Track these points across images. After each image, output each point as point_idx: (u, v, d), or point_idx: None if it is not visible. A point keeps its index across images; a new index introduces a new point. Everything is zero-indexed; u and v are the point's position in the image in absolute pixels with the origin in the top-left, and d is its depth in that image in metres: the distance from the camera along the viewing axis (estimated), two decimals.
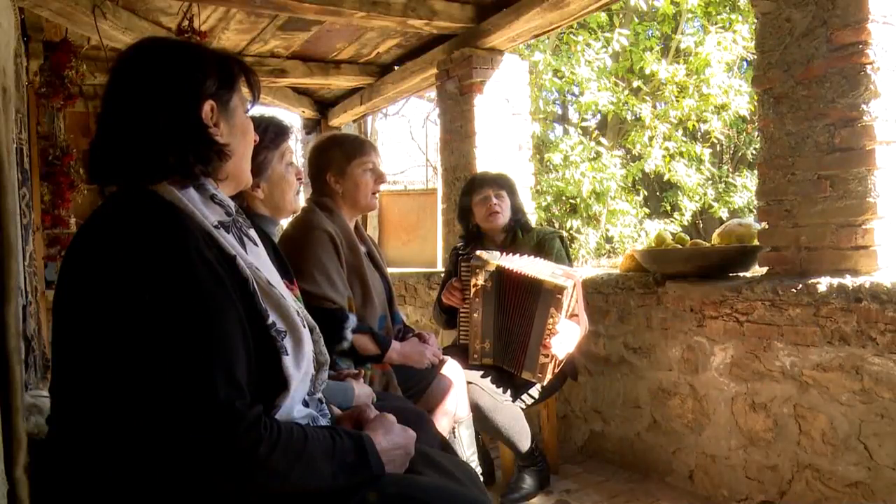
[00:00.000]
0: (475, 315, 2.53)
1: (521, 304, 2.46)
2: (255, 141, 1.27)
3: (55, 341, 1.08)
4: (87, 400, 1.02)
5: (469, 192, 2.82)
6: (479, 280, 2.51)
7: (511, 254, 2.55)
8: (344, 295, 2.09)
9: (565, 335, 2.40)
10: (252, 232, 1.23)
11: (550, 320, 2.39)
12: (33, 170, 3.76)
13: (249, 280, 1.08)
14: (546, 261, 2.55)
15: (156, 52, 1.14)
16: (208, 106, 1.12)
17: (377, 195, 2.30)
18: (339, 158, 2.21)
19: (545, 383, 2.49)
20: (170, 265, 0.99)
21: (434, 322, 3.03)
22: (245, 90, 1.23)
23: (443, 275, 3.05)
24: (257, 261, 1.16)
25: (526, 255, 2.54)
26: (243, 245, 1.15)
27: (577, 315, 2.49)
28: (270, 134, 1.76)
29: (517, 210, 2.80)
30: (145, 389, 0.97)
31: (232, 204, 1.20)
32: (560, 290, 2.37)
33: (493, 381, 2.49)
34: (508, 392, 2.50)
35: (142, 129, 1.08)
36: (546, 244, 2.70)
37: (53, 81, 4.06)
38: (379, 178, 2.27)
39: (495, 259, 2.52)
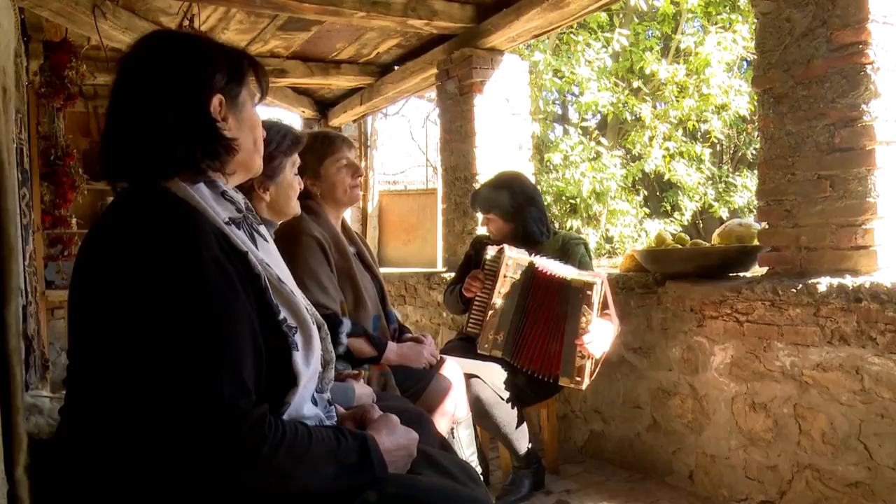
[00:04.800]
0: (496, 305, 2.49)
1: (548, 307, 2.44)
2: (263, 136, 1.25)
3: (70, 337, 1.09)
4: (97, 396, 1.03)
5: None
6: (509, 272, 2.48)
7: (538, 255, 2.53)
8: (336, 300, 2.09)
9: (598, 333, 2.35)
10: (262, 228, 1.23)
11: (583, 319, 2.35)
12: (33, 170, 3.75)
13: (261, 276, 1.08)
14: (570, 266, 2.53)
15: (165, 45, 1.14)
16: (217, 100, 1.11)
17: (357, 188, 2.28)
18: (311, 161, 2.16)
19: (584, 387, 2.43)
20: (180, 266, 0.99)
21: (445, 306, 3.00)
22: (253, 85, 1.22)
23: (463, 258, 3.00)
24: (268, 257, 1.16)
25: (553, 259, 2.53)
26: (254, 241, 1.16)
27: (608, 314, 2.44)
28: (288, 141, 1.77)
29: (521, 216, 2.71)
30: (152, 388, 0.97)
31: (242, 200, 1.20)
32: (589, 286, 2.35)
33: (497, 376, 2.48)
34: (509, 394, 2.49)
35: (150, 123, 1.07)
36: (570, 249, 2.68)
37: (53, 81, 4.05)
38: (355, 171, 2.25)
39: (526, 256, 2.51)
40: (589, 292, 2.35)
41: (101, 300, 1.02)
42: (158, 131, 1.07)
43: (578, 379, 2.39)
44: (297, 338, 1.10)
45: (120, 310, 0.99)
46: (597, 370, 2.47)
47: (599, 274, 2.45)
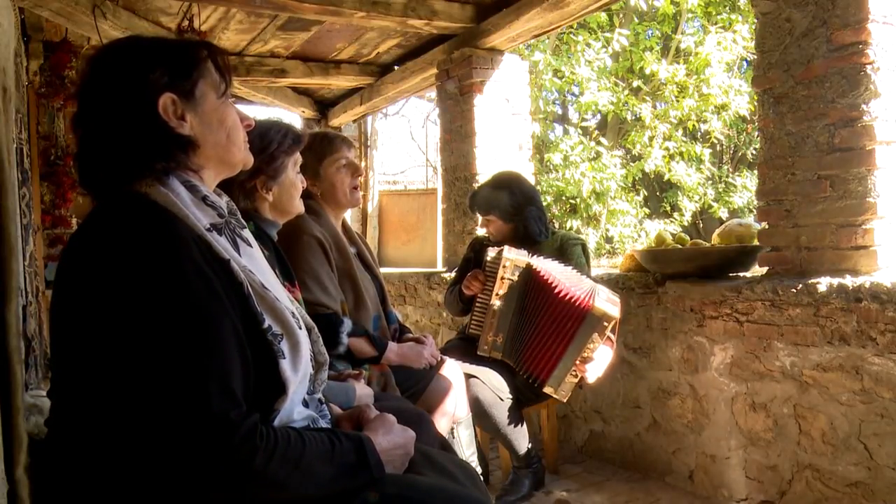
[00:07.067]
0: (495, 306, 2.49)
1: (548, 312, 2.42)
2: (249, 125, 1.22)
3: (53, 347, 1.07)
4: (84, 408, 1.01)
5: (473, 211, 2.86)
6: (507, 274, 2.48)
7: (537, 255, 2.52)
8: (337, 299, 2.09)
9: (600, 361, 2.41)
10: (245, 232, 1.21)
11: (591, 345, 2.37)
12: (33, 170, 3.76)
13: (244, 284, 1.06)
14: (574, 269, 2.51)
15: (102, 60, 1.12)
16: (167, 99, 1.08)
17: (358, 190, 2.27)
18: (310, 160, 2.15)
19: (565, 401, 2.49)
20: (161, 275, 0.97)
21: (445, 307, 2.99)
22: (214, 76, 1.16)
23: (461, 261, 2.98)
24: (251, 263, 1.14)
25: (551, 259, 2.52)
26: (236, 247, 1.13)
27: (611, 339, 2.45)
28: (288, 140, 1.76)
29: (521, 216, 2.69)
30: (140, 401, 0.96)
31: (224, 205, 1.17)
32: (609, 319, 2.35)
33: (496, 379, 2.48)
34: (509, 390, 2.49)
35: (101, 136, 1.08)
36: (567, 249, 2.67)
37: (53, 81, 4.06)
38: (355, 171, 2.24)
39: (524, 257, 2.50)
40: (606, 324, 2.35)
41: (83, 312, 1.00)
42: (111, 142, 1.07)
43: (563, 393, 2.44)
44: (284, 345, 1.09)
45: (102, 322, 0.98)
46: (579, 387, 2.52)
47: (617, 301, 2.43)
